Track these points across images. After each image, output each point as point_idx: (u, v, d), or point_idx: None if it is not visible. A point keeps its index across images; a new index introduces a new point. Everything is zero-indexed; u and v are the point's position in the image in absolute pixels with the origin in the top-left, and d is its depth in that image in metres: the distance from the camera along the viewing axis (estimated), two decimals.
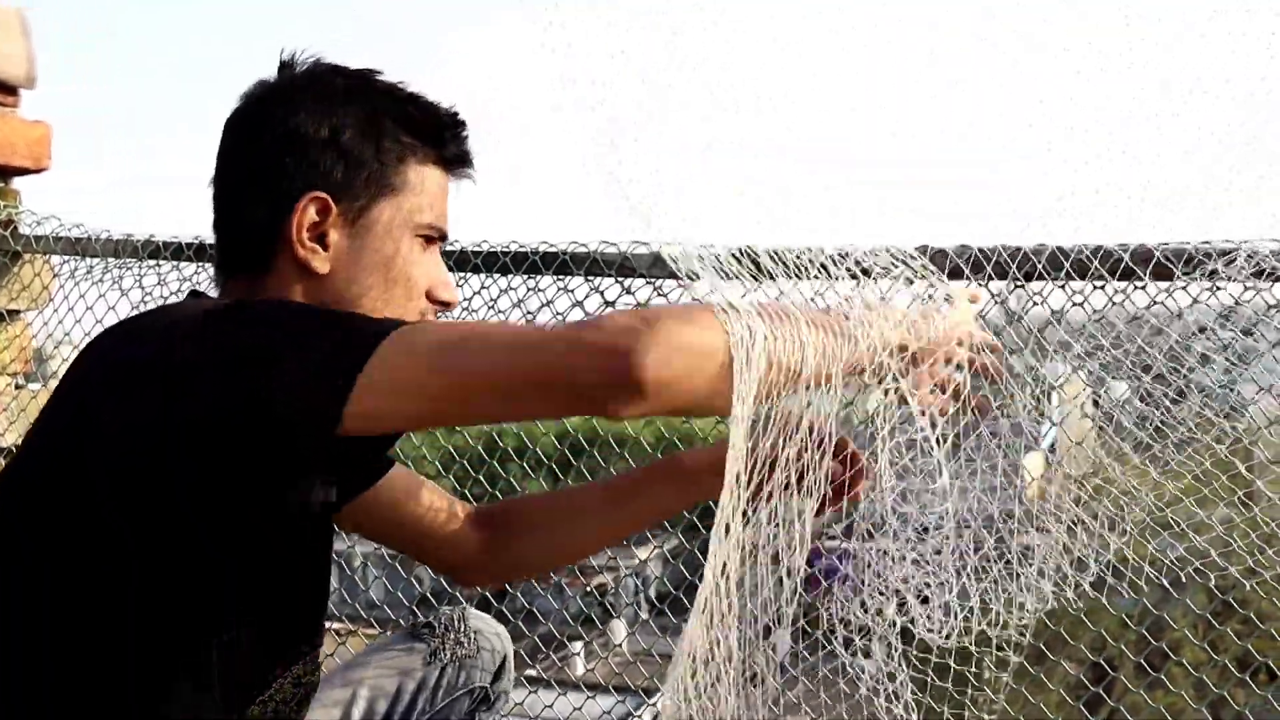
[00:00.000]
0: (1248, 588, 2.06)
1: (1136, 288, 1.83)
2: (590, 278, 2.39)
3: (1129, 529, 1.61)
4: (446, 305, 1.58)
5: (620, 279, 2.38)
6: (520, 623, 3.43)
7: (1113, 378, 1.88)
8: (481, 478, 3.35)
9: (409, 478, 1.92)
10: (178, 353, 1.26)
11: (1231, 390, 1.76)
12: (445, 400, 1.26)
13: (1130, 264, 1.79)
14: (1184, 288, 1.79)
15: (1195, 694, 2.79)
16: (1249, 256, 1.71)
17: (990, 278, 1.78)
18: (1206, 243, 1.78)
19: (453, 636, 1.87)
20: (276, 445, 1.24)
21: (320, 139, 1.47)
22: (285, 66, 1.54)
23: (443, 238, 1.59)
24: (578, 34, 1.29)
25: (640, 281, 2.38)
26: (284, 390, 1.20)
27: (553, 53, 1.26)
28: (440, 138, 1.55)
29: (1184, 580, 2.02)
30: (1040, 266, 1.74)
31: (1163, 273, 1.79)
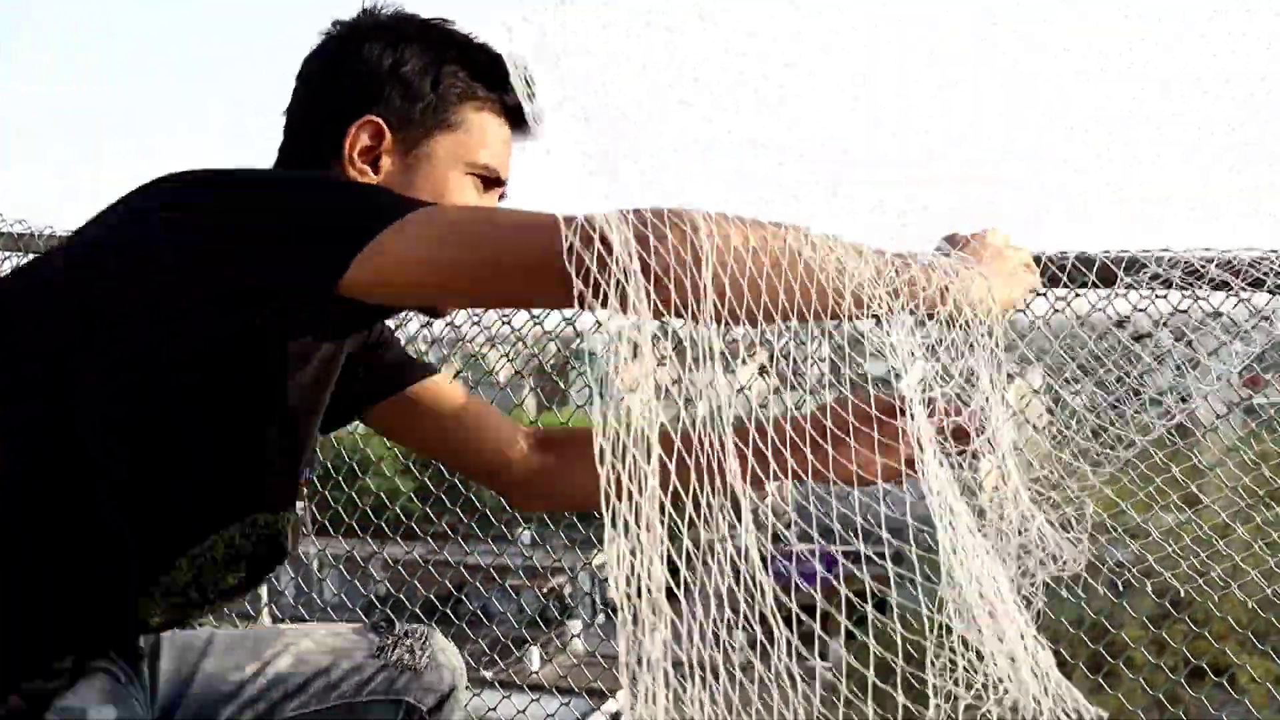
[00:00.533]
0: (1186, 591, 2.10)
1: (1077, 294, 1.85)
2: None
3: (1081, 534, 1.63)
4: None
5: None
6: (475, 622, 3.42)
7: (1061, 382, 1.90)
8: (441, 480, 3.35)
9: (465, 395, 1.91)
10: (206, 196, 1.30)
11: (1178, 398, 1.79)
12: (450, 274, 1.26)
13: (1076, 267, 1.81)
14: (1124, 295, 1.81)
15: (1142, 695, 2.82)
16: (1174, 264, 1.74)
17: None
18: (1146, 251, 1.81)
19: (407, 644, 1.83)
20: (274, 285, 1.26)
21: (383, 68, 1.51)
22: (365, 11, 1.58)
23: (500, 183, 1.60)
24: (577, 34, 1.29)
25: None
26: (296, 237, 1.23)
27: (554, 56, 1.27)
28: (503, 86, 1.55)
29: (1133, 584, 2.06)
30: None
31: (1106, 278, 1.81)
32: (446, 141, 1.53)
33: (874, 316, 1.28)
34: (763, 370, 2.55)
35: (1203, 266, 1.75)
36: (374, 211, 1.24)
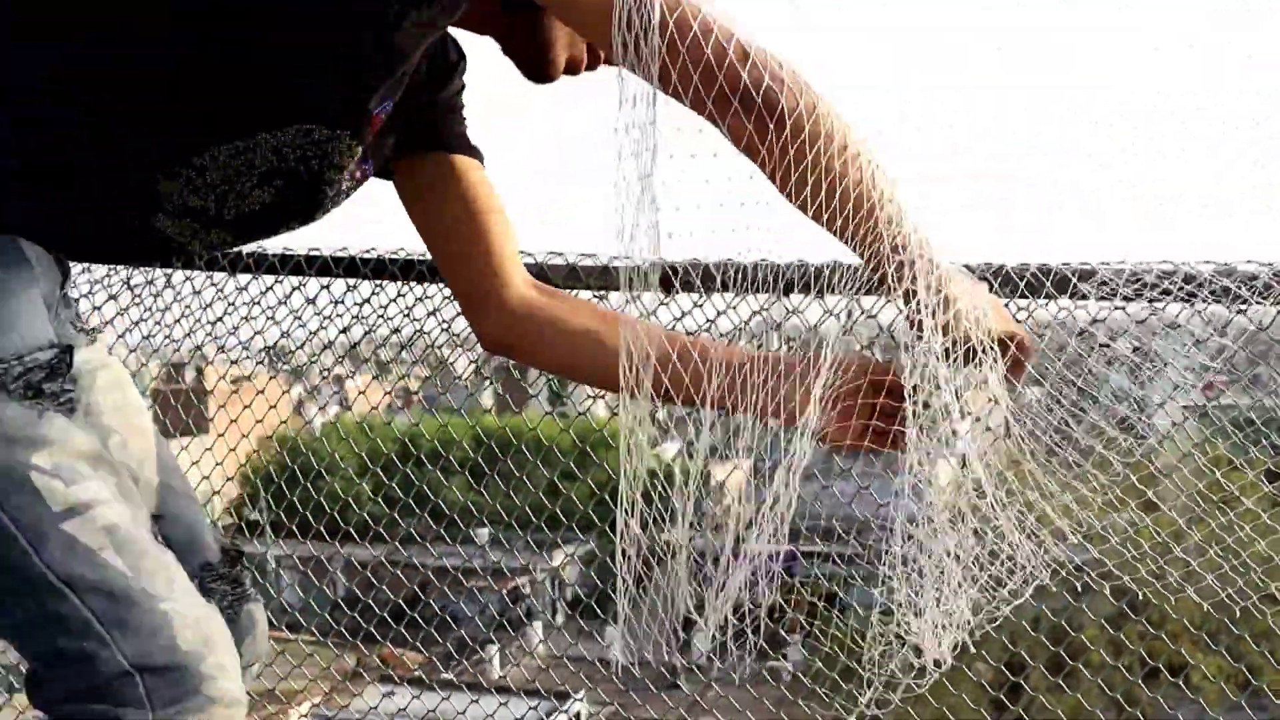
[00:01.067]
0: (1143, 594, 2.12)
1: (1039, 305, 1.87)
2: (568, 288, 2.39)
3: (1043, 537, 1.64)
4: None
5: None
6: (437, 626, 3.41)
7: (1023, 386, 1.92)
8: (398, 483, 3.34)
9: (494, 198, 1.75)
10: None
11: (1136, 406, 1.81)
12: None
13: (1036, 277, 1.84)
14: (1083, 305, 1.83)
15: (1099, 695, 2.85)
16: (1130, 278, 1.77)
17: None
18: (1105, 262, 1.83)
19: (231, 583, 1.64)
20: None
21: None
22: None
23: None
24: None
25: (620, 297, 2.38)
26: None
27: None
28: None
29: (1091, 586, 2.07)
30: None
31: (1063, 288, 1.83)
32: None
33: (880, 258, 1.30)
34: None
35: (1157, 280, 1.77)
36: None
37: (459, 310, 1.99)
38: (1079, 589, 2.08)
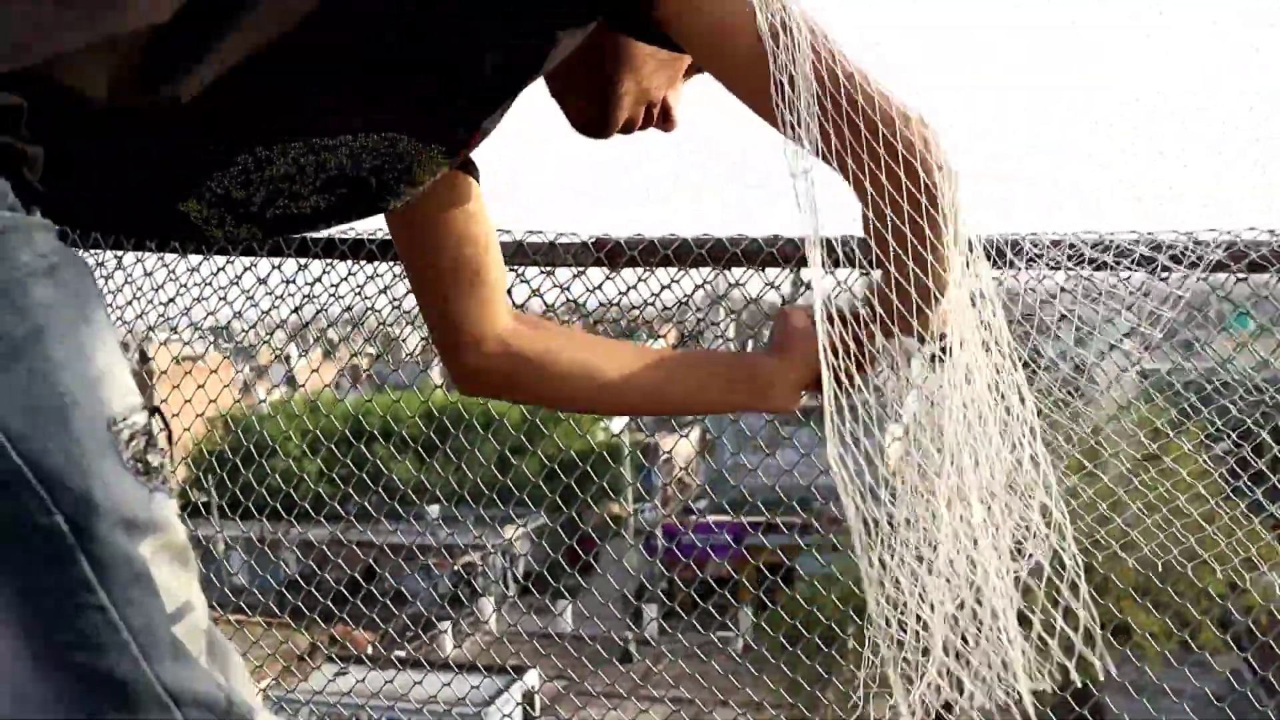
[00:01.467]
0: (1081, 553, 2.16)
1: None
2: (514, 267, 2.41)
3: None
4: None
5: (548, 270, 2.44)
6: (389, 602, 3.42)
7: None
8: (349, 460, 3.34)
9: (489, 231, 1.61)
10: None
11: (1077, 367, 1.84)
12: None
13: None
14: (1014, 275, 1.88)
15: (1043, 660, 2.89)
16: (1055, 244, 1.82)
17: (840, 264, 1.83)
18: (1034, 233, 1.88)
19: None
20: None
21: None
22: None
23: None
24: None
25: (567, 272, 2.44)
26: None
27: None
28: None
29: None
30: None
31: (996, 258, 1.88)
32: None
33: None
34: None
35: (1078, 245, 1.82)
36: None
37: (409, 289, 1.93)
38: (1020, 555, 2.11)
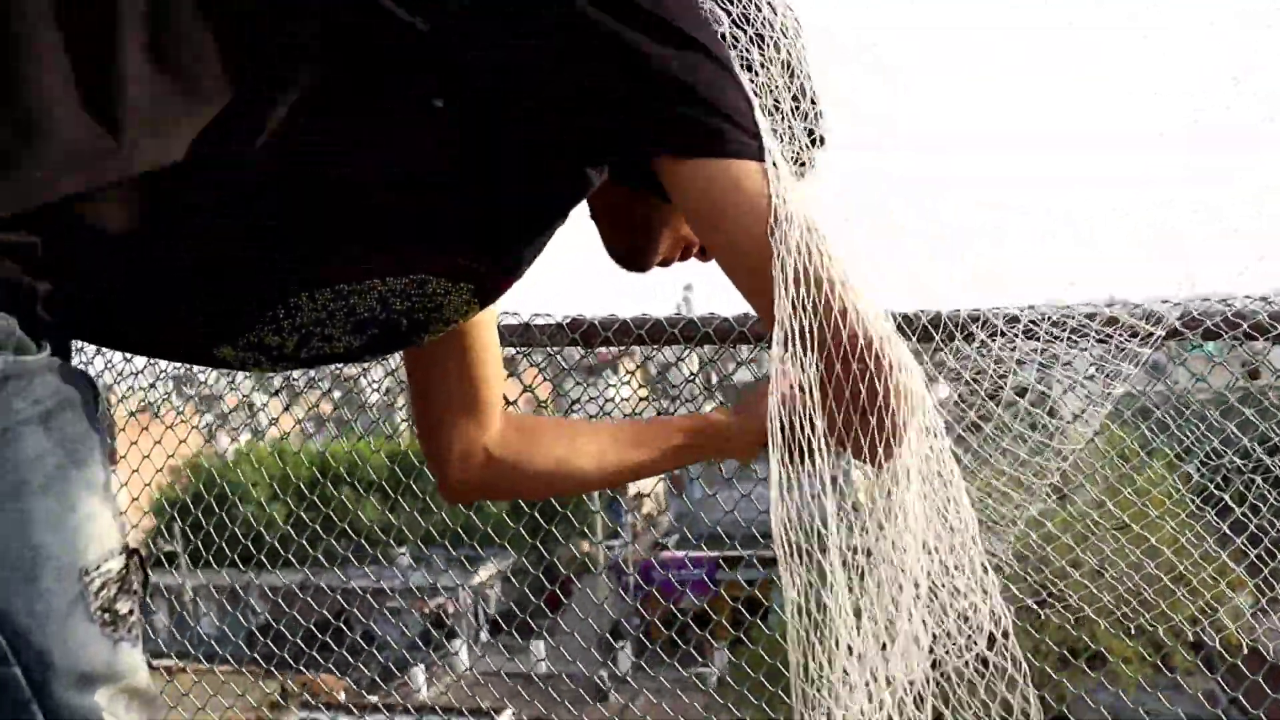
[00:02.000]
0: (1057, 583, 2.16)
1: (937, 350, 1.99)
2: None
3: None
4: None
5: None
6: (361, 645, 3.38)
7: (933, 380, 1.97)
8: (317, 503, 3.31)
9: (493, 341, 1.62)
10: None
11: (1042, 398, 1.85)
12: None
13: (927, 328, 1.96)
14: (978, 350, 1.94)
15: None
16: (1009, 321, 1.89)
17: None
18: (997, 308, 1.96)
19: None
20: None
21: None
22: None
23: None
24: None
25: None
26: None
27: None
28: None
29: (1007, 573, 2.11)
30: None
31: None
32: None
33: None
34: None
35: (1035, 325, 1.90)
36: (746, 130, 1.20)
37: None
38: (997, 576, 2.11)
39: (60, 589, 1.05)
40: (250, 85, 1.13)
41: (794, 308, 1.21)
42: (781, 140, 1.35)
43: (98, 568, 1.08)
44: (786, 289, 1.21)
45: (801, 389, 1.30)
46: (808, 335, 1.22)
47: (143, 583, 1.15)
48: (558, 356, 2.58)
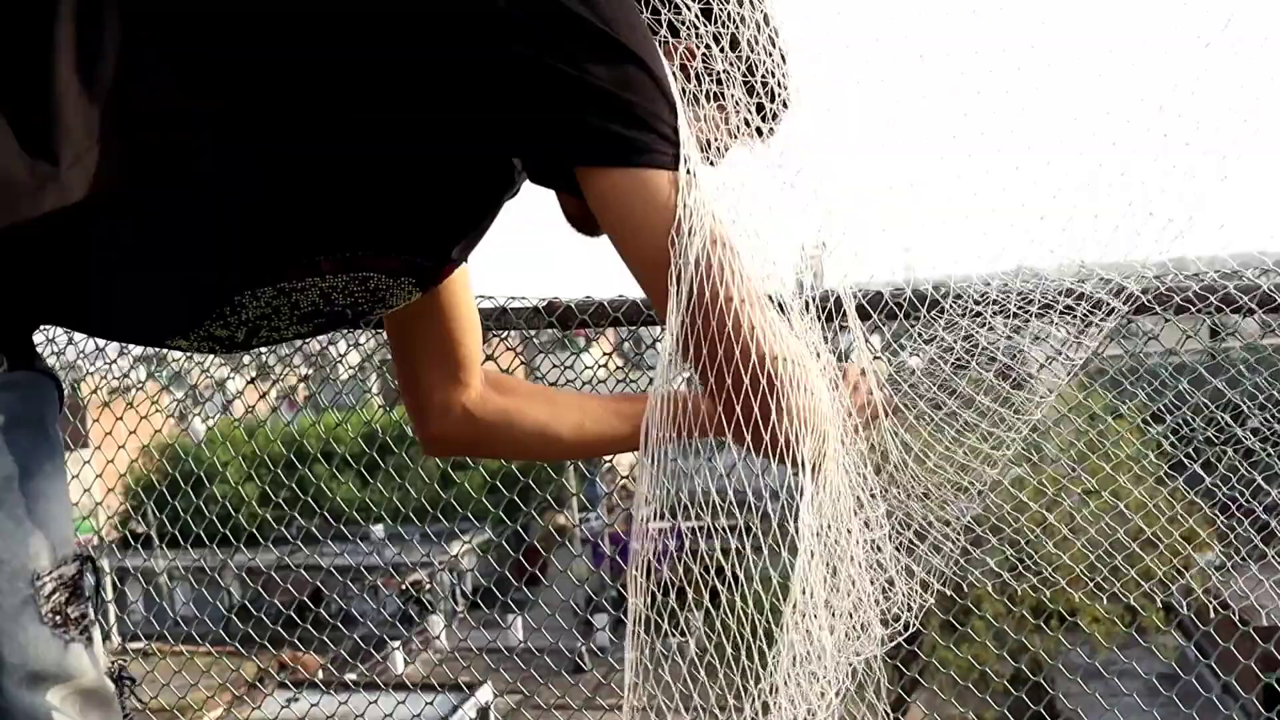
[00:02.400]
0: (1030, 542, 2.18)
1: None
2: None
3: (937, 493, 1.69)
4: None
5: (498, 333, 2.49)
6: (338, 624, 3.38)
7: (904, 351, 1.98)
8: (292, 483, 3.30)
9: (470, 299, 1.65)
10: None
11: (1014, 354, 1.86)
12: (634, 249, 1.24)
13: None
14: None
15: (996, 643, 2.93)
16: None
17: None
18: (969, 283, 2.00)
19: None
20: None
21: None
22: None
23: None
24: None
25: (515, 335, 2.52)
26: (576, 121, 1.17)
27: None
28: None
29: (981, 539, 2.13)
30: None
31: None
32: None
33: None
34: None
35: (1003, 300, 1.93)
36: (662, 136, 1.18)
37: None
38: (971, 542, 2.13)
39: (10, 590, 1.09)
40: (184, 105, 1.13)
41: (687, 320, 1.20)
42: (726, 113, 1.35)
43: (50, 572, 1.12)
44: (679, 300, 1.20)
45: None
46: (692, 349, 1.21)
47: (95, 586, 1.16)
48: (534, 339, 2.59)
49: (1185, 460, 2.18)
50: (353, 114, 1.18)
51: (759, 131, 1.41)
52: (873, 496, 1.47)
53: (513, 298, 2.47)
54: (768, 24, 1.38)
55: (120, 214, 1.13)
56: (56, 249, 1.12)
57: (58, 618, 1.15)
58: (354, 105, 1.17)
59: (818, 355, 1.37)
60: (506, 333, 2.53)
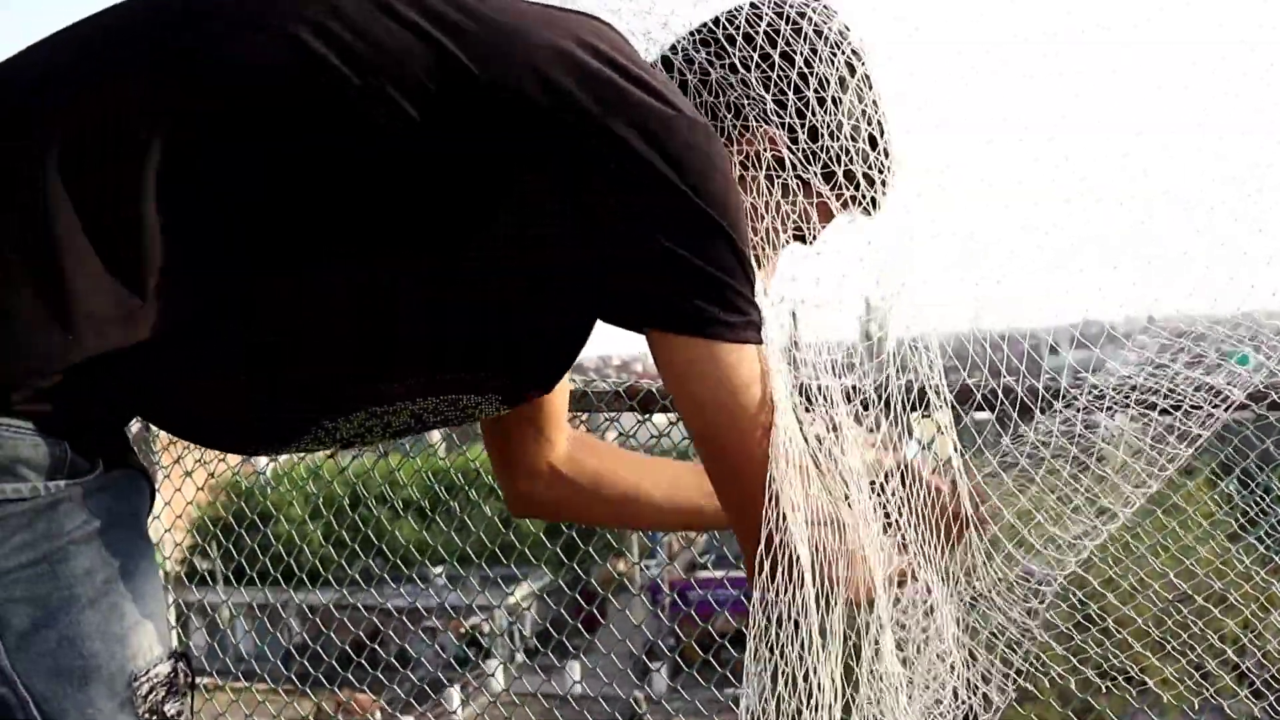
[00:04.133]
0: (1098, 603, 2.14)
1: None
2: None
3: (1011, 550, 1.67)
4: None
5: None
6: (395, 665, 3.39)
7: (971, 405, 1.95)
8: (353, 523, 3.32)
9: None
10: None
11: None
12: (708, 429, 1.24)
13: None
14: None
15: (1061, 702, 2.87)
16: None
17: None
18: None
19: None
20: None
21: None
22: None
23: None
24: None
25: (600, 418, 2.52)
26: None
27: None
28: None
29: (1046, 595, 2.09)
30: None
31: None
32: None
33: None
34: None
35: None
36: (738, 310, 1.19)
37: None
38: (1038, 600, 2.10)
39: (109, 694, 1.12)
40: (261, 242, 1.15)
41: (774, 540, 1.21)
42: (819, 194, 1.34)
43: (145, 673, 1.15)
44: (770, 520, 1.21)
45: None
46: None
47: (190, 682, 1.21)
48: (616, 422, 2.59)
49: (1259, 516, 2.13)
50: (459, 272, 1.18)
51: (866, 208, 1.39)
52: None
53: (591, 380, 2.47)
54: (864, 95, 1.37)
55: (197, 343, 1.16)
56: (144, 368, 1.15)
57: (154, 717, 1.17)
58: (461, 269, 1.18)
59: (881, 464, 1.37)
60: (587, 415, 2.52)
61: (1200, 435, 1.72)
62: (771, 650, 1.24)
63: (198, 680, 1.27)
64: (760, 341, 1.20)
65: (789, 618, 1.24)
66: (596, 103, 1.14)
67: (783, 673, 1.23)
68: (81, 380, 1.11)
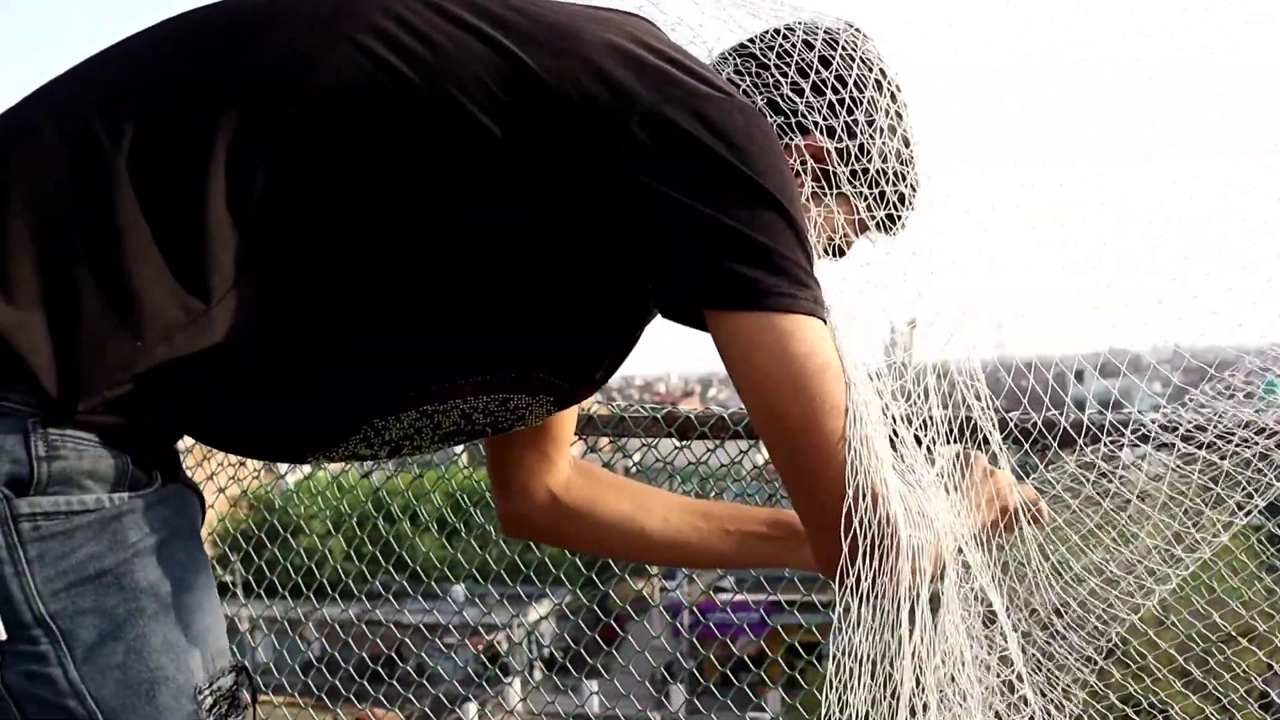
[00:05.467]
0: (1121, 635, 2.12)
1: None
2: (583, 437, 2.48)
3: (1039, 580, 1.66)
4: None
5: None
6: (416, 680, 3.38)
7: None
8: (374, 537, 3.32)
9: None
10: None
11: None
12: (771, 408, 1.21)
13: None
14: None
15: None
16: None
17: None
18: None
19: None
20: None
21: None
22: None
23: None
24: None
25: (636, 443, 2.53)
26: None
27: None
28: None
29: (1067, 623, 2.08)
30: None
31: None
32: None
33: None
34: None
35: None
36: (795, 281, 1.17)
37: None
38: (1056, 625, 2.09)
39: (177, 707, 1.13)
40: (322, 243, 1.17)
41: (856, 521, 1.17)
42: (853, 208, 1.35)
43: (210, 685, 1.16)
44: (853, 499, 1.16)
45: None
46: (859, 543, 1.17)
47: (251, 696, 1.22)
48: (654, 448, 2.59)
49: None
50: (505, 254, 1.19)
51: (888, 225, 1.40)
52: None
53: (629, 404, 2.46)
54: (895, 113, 1.38)
55: (257, 345, 1.17)
56: (201, 376, 1.16)
57: None
58: (508, 247, 1.19)
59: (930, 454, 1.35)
60: (625, 440, 2.52)
61: (1250, 478, 1.70)
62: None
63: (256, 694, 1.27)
64: (823, 316, 1.18)
65: (889, 599, 1.22)
66: (653, 90, 1.17)
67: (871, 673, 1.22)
68: (143, 390, 1.12)
